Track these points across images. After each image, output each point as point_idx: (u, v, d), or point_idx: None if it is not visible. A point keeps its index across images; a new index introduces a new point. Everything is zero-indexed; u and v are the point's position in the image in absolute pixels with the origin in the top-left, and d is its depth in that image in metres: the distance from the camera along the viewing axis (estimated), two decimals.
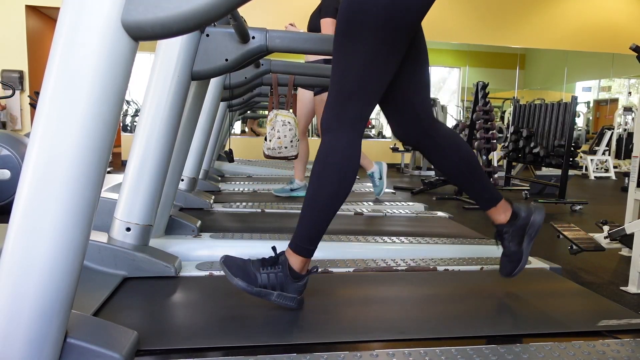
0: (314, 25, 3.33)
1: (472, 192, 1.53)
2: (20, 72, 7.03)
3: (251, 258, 1.36)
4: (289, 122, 2.83)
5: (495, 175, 4.48)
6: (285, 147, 2.82)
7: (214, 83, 2.51)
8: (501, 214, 1.51)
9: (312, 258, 1.35)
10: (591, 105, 12.19)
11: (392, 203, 3.22)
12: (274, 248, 1.36)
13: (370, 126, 10.21)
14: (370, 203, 3.19)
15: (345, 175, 1.27)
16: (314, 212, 1.29)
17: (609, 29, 9.10)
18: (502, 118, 10.34)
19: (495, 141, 4.63)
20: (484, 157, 4.53)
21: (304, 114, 3.56)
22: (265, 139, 2.87)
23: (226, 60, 1.64)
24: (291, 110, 2.95)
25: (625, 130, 8.45)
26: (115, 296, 1.38)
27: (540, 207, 1.51)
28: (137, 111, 8.84)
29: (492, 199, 1.51)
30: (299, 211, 1.32)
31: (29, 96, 6.84)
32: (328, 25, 3.21)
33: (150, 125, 1.58)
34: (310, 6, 3.58)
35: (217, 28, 1.64)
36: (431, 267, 1.76)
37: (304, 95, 3.55)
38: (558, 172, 4.64)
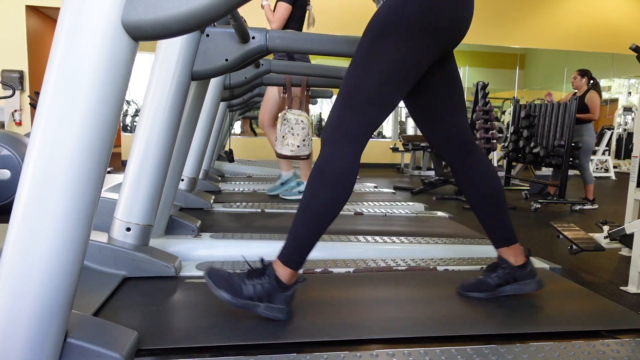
0: None
1: (488, 227, 1.48)
2: (20, 72, 7.03)
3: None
4: (302, 121, 2.84)
5: None
6: (298, 146, 2.83)
7: (214, 83, 2.51)
8: (511, 256, 1.45)
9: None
10: None
11: (392, 203, 3.21)
12: (261, 260, 1.31)
13: None
14: (370, 203, 3.19)
15: (341, 188, 1.23)
16: (307, 222, 1.25)
17: (609, 29, 9.11)
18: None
19: (495, 141, 4.63)
20: None
21: (269, 109, 3.37)
22: (277, 139, 2.88)
23: (226, 60, 1.64)
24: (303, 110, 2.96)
25: (625, 130, 8.45)
26: (115, 296, 1.37)
27: (540, 283, 1.46)
28: (137, 111, 8.84)
29: (508, 238, 1.46)
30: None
31: (29, 96, 6.84)
32: (278, 8, 3.15)
33: (151, 125, 1.58)
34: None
35: (217, 28, 1.64)
36: (431, 267, 1.76)
37: (272, 92, 3.37)
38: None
